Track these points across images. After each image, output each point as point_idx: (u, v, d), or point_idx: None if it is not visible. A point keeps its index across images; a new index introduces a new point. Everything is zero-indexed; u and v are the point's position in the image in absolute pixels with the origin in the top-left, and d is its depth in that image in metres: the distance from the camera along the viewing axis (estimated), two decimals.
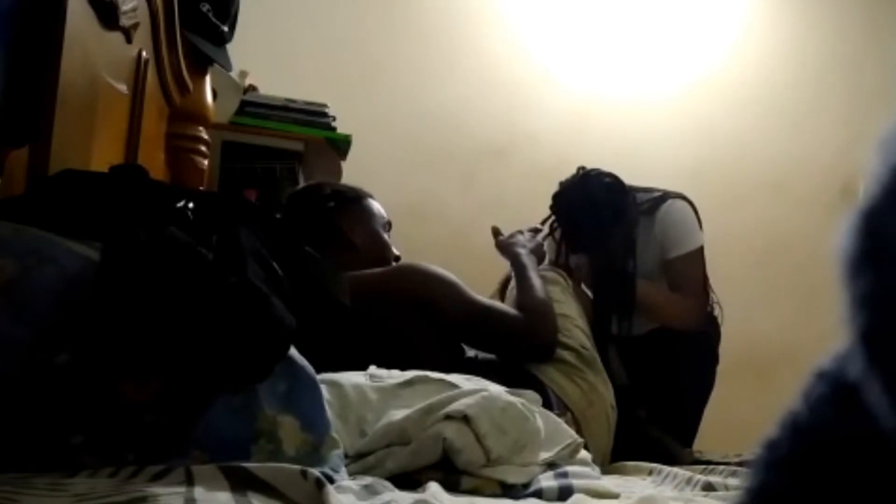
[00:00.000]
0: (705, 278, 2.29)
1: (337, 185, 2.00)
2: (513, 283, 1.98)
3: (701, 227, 2.27)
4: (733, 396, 2.38)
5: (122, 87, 1.57)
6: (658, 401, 2.12)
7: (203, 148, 2.15)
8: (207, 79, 2.18)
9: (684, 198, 2.29)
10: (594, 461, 1.56)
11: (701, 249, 2.26)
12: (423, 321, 1.70)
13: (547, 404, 1.72)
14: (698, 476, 1.31)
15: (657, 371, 2.16)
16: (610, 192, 2.23)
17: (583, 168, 2.33)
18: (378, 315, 1.69)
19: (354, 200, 1.93)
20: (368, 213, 1.93)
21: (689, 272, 2.24)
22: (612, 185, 2.24)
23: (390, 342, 1.68)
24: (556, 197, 2.29)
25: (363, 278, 1.73)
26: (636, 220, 2.22)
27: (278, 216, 1.83)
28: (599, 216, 2.19)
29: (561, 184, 2.31)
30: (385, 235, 1.95)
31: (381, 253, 1.90)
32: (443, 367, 1.51)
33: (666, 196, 2.27)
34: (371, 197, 1.99)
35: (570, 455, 1.33)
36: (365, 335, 1.66)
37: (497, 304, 1.85)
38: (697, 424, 2.27)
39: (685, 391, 2.23)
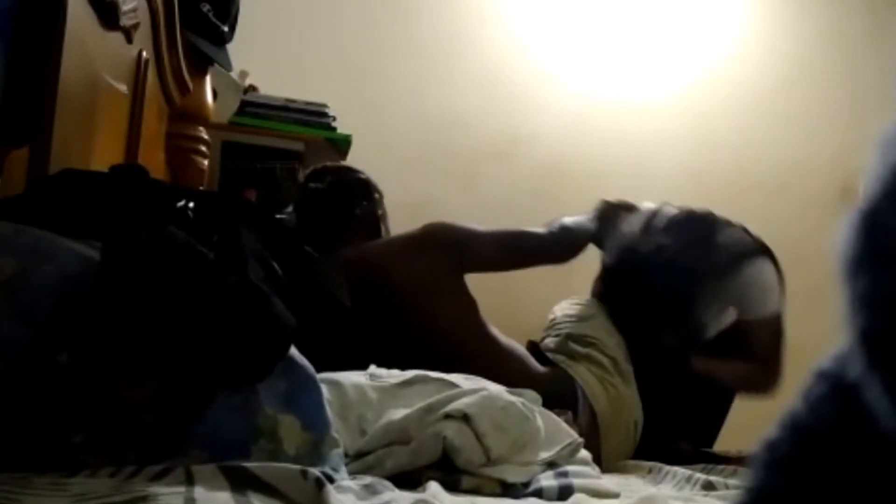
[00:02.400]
0: (780, 345, 2.05)
1: (363, 174, 2.10)
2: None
3: (783, 285, 2.05)
4: None
5: (123, 87, 1.57)
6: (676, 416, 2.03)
7: (203, 148, 2.15)
8: (208, 79, 2.18)
9: (768, 252, 2.08)
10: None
11: (780, 315, 2.04)
12: (458, 265, 1.84)
13: (574, 401, 1.74)
14: (698, 475, 1.31)
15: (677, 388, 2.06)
16: (677, 283, 1.94)
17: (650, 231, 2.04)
18: (417, 271, 1.80)
19: (380, 192, 2.09)
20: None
21: (763, 336, 2.03)
22: (681, 276, 1.94)
23: (391, 340, 1.69)
24: (615, 268, 2.05)
25: (397, 241, 1.91)
26: (702, 319, 1.97)
27: (315, 186, 1.99)
28: (666, 305, 1.96)
29: (622, 252, 2.03)
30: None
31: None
32: (469, 337, 1.71)
33: (748, 254, 2.02)
34: None
35: (570, 454, 1.33)
36: (366, 335, 1.67)
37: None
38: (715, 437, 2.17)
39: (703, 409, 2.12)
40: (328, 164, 2.14)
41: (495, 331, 1.87)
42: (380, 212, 2.03)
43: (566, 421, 1.46)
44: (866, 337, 0.26)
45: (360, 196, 2.01)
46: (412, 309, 1.78)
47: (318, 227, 1.95)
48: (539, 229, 2.01)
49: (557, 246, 2.02)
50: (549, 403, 1.46)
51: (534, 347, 1.94)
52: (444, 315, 1.80)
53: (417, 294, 1.79)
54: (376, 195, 2.04)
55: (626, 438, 1.81)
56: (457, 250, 1.85)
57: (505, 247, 1.95)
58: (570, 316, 2.00)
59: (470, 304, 1.86)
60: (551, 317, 2.06)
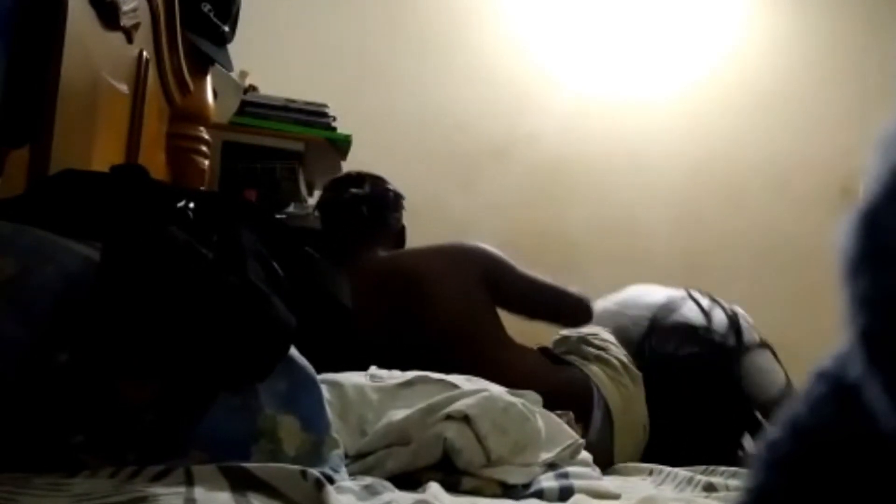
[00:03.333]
0: None
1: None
2: None
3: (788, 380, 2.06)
4: None
5: (123, 88, 1.57)
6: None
7: (204, 148, 2.15)
8: (208, 79, 2.17)
9: (761, 346, 2.09)
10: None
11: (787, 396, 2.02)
12: (488, 292, 1.86)
13: (589, 398, 1.77)
14: (699, 476, 1.31)
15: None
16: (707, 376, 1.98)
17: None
18: (449, 286, 1.84)
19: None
20: None
21: None
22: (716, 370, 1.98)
23: (416, 337, 1.72)
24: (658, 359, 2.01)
25: (432, 250, 1.93)
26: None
27: (357, 192, 2.02)
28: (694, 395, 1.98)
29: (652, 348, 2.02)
30: None
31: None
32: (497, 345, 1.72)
33: (737, 354, 2.04)
34: None
35: (570, 456, 1.33)
36: (366, 335, 1.68)
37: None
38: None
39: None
40: (362, 171, 2.18)
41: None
42: (404, 223, 2.12)
43: (567, 422, 1.46)
44: (866, 337, 0.26)
45: (395, 207, 2.09)
46: (441, 309, 1.82)
47: (354, 231, 2.01)
48: (574, 290, 1.96)
49: (583, 311, 1.98)
50: (566, 400, 1.47)
51: (545, 351, 1.96)
52: (468, 313, 1.84)
53: (448, 299, 1.84)
54: (404, 209, 2.12)
55: (637, 438, 1.84)
56: (493, 271, 1.89)
57: (540, 295, 1.93)
58: (577, 330, 2.03)
59: (495, 314, 1.90)
60: (556, 338, 2.08)
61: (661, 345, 2.01)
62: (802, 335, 2.20)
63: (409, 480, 1.11)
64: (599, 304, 2.12)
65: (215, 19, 2.08)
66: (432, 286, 1.83)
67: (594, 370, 1.85)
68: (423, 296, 1.82)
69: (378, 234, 2.02)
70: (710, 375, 1.98)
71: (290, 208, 2.62)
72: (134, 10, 1.52)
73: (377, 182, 2.10)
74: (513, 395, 1.27)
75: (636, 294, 2.19)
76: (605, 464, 1.63)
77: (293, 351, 0.99)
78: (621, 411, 1.81)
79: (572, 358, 1.90)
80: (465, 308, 1.83)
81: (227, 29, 2.13)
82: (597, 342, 1.94)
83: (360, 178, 2.11)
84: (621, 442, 1.77)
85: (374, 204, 2.04)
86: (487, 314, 1.86)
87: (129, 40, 1.56)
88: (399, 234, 2.09)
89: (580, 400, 1.71)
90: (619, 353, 1.92)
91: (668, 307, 2.08)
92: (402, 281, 1.85)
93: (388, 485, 1.03)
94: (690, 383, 1.96)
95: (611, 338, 1.98)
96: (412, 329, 1.79)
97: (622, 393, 1.84)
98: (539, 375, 1.71)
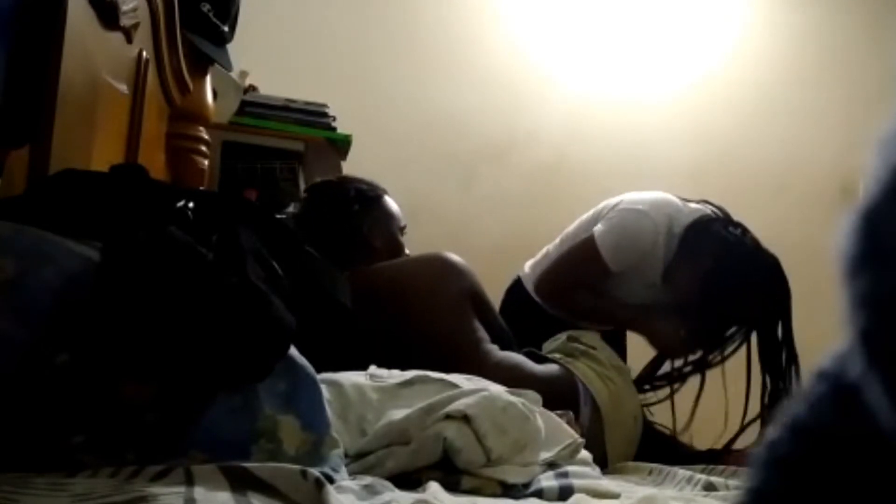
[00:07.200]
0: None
1: (359, 183, 2.04)
2: None
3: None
4: (733, 395, 2.37)
5: (123, 87, 1.57)
6: None
7: (203, 148, 2.15)
8: (208, 79, 2.17)
9: None
10: (610, 465, 1.60)
11: None
12: (472, 304, 1.86)
13: (575, 396, 1.76)
14: (699, 475, 1.31)
15: None
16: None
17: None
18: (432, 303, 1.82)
19: (375, 201, 2.01)
20: (387, 215, 2.02)
21: None
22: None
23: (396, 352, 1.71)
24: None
25: (407, 264, 1.91)
26: None
27: (294, 211, 1.92)
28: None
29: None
30: (401, 238, 2.04)
31: (396, 256, 2.00)
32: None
33: None
34: (386, 193, 2.06)
35: (570, 455, 1.33)
36: (365, 335, 1.67)
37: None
38: None
39: None
40: (325, 181, 2.09)
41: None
42: (366, 223, 1.96)
43: (567, 422, 1.46)
44: (866, 337, 0.26)
45: (359, 217, 1.95)
46: (423, 320, 1.81)
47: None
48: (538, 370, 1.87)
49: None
50: (550, 399, 1.47)
51: (529, 353, 1.96)
52: (450, 324, 1.83)
53: (430, 309, 1.83)
54: (356, 206, 1.95)
55: (629, 431, 1.84)
56: (478, 289, 1.90)
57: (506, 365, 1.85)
58: (568, 331, 2.03)
59: (476, 322, 1.88)
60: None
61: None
62: (802, 335, 2.20)
63: (408, 480, 1.11)
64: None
65: (215, 19, 2.07)
66: (414, 299, 1.82)
67: (579, 366, 1.85)
68: (406, 308, 1.81)
69: (343, 251, 1.88)
70: None
71: (290, 208, 2.62)
72: (133, 9, 1.52)
73: (330, 192, 1.98)
74: (513, 394, 1.27)
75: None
76: (598, 458, 1.64)
77: (293, 351, 0.99)
78: (610, 405, 1.81)
79: (558, 356, 1.90)
80: (447, 319, 1.82)
81: (226, 29, 2.13)
82: (585, 340, 1.94)
83: (310, 190, 2.00)
84: (612, 436, 1.78)
85: (313, 223, 1.92)
86: (468, 324, 1.85)
87: (129, 40, 1.56)
88: (365, 243, 1.94)
89: (566, 397, 1.71)
90: (605, 351, 1.93)
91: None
92: (383, 295, 1.81)
93: (388, 484, 1.03)
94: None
95: (598, 339, 1.98)
96: (395, 341, 1.76)
97: (609, 387, 1.84)
98: (520, 376, 1.69)
